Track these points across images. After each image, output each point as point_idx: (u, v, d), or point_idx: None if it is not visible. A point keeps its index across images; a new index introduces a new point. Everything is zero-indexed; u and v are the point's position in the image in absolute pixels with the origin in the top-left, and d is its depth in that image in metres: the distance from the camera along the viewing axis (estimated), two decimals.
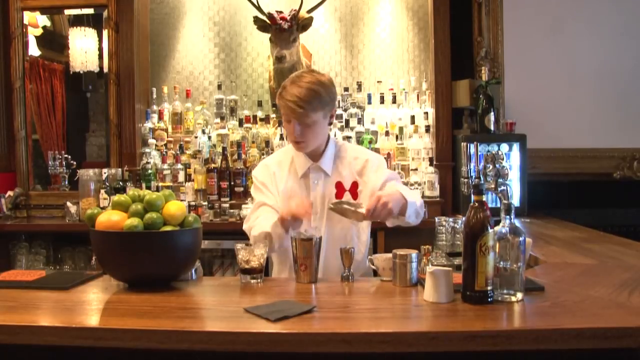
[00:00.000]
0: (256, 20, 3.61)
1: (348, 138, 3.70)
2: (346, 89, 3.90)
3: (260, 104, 3.93)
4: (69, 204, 3.60)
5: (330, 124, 2.12)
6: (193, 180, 3.62)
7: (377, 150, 3.71)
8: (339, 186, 2.10)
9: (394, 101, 3.85)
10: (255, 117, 3.85)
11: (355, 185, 2.11)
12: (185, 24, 4.04)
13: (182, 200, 3.33)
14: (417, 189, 3.56)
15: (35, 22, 4.07)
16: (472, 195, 1.58)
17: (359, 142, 3.71)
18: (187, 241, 1.75)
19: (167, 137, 3.88)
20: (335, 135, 3.72)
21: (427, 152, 3.68)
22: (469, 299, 1.50)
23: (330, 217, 2.07)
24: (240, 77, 4.01)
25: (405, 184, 3.60)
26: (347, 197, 2.08)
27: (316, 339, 1.33)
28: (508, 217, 1.54)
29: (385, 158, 3.59)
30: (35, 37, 4.10)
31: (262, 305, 1.51)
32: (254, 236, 2.00)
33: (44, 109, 4.13)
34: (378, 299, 1.66)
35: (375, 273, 1.87)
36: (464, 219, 1.54)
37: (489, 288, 1.49)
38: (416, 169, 3.65)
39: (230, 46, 4.03)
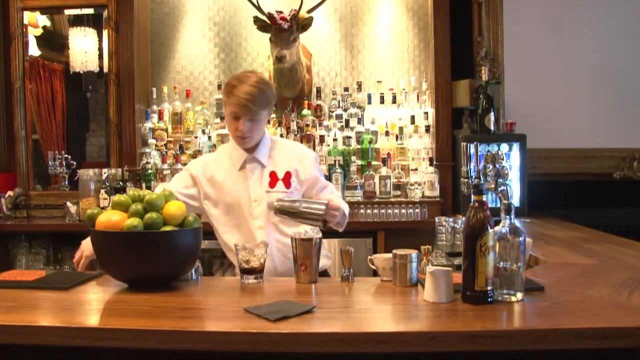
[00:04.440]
0: (256, 20, 3.61)
1: (348, 138, 3.70)
2: (346, 89, 3.90)
3: None
4: (69, 204, 3.60)
5: (269, 121, 2.22)
6: None
7: (377, 151, 3.72)
8: (273, 175, 2.21)
9: (394, 101, 3.85)
10: None
11: (288, 175, 2.21)
12: (185, 24, 4.04)
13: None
14: (417, 188, 3.57)
15: (35, 22, 4.07)
16: (472, 195, 1.58)
17: (359, 142, 3.71)
18: (187, 241, 1.75)
19: (167, 137, 3.88)
20: (335, 135, 3.73)
21: (427, 152, 3.68)
22: (469, 299, 1.50)
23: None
24: None
25: (405, 184, 3.61)
26: (279, 185, 2.18)
27: (316, 339, 1.33)
28: (508, 217, 1.54)
29: (384, 158, 3.65)
30: (35, 37, 4.10)
31: (262, 305, 1.51)
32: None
33: (44, 109, 4.14)
34: (378, 299, 1.66)
35: (375, 273, 1.87)
36: (464, 219, 1.54)
37: (489, 288, 1.49)
38: (416, 169, 3.65)
39: (230, 46, 4.03)
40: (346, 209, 2.15)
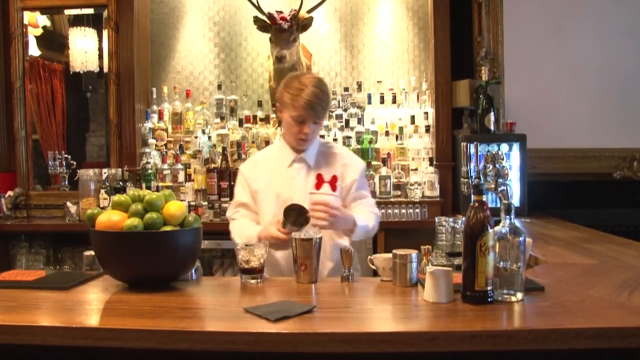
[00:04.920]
0: (256, 20, 3.61)
1: (348, 138, 3.70)
2: (346, 89, 3.90)
3: (260, 104, 3.93)
4: (69, 204, 3.60)
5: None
6: (193, 180, 3.62)
7: (377, 151, 3.72)
8: (319, 177, 2.22)
9: (394, 101, 3.85)
10: (255, 117, 3.85)
11: (334, 179, 2.22)
12: (185, 24, 4.04)
13: (182, 200, 3.33)
14: (416, 188, 3.57)
15: (35, 22, 4.08)
16: (472, 195, 1.58)
17: (359, 142, 3.71)
18: (187, 241, 1.75)
19: (167, 137, 3.88)
20: (334, 135, 3.73)
21: (427, 152, 3.68)
22: (469, 299, 1.50)
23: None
24: (240, 77, 4.01)
25: (405, 184, 3.61)
26: (325, 188, 2.20)
27: (316, 339, 1.33)
28: (508, 217, 1.54)
29: (384, 158, 3.65)
30: (35, 37, 4.10)
31: (262, 305, 1.51)
32: (236, 243, 2.10)
33: (44, 109, 4.14)
34: (378, 299, 1.66)
35: (375, 273, 1.87)
36: (464, 219, 1.54)
37: (489, 288, 1.49)
38: (416, 169, 3.65)
39: (230, 46, 4.03)
40: (362, 221, 2.12)
